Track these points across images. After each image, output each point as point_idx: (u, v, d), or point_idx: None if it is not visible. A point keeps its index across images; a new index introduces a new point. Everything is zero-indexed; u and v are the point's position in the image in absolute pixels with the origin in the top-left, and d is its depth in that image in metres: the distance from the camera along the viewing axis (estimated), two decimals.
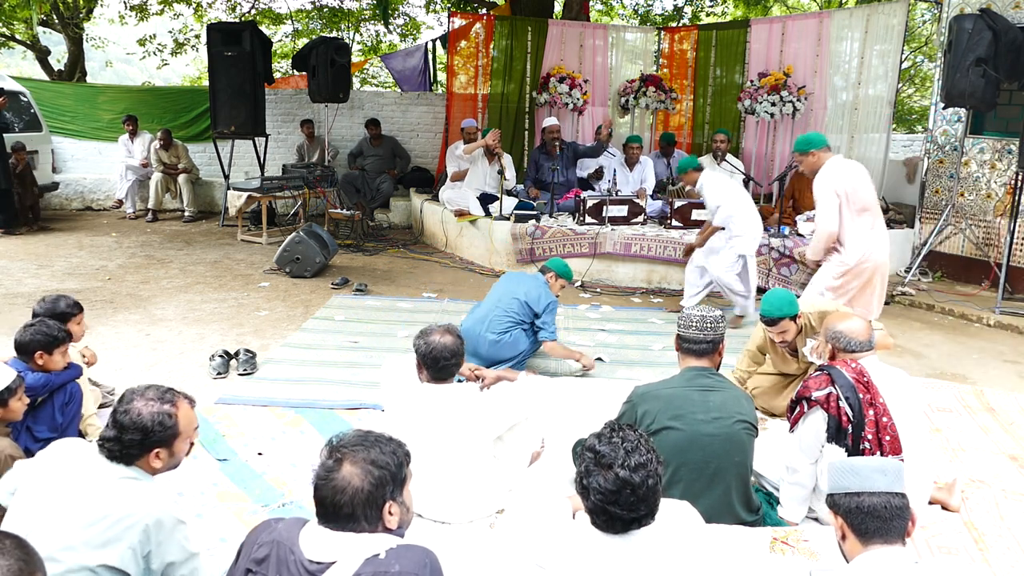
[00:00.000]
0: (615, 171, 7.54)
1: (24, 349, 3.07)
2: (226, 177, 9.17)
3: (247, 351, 4.48)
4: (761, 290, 5.26)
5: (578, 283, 6.73)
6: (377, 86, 17.24)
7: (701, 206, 6.99)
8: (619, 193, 7.17)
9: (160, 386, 2.10)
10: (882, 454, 2.73)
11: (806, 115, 8.16)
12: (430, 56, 12.48)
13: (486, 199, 7.53)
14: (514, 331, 4.36)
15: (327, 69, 8.47)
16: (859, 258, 4.54)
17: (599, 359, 4.77)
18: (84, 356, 3.73)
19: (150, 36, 15.42)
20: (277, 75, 13.61)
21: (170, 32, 15.67)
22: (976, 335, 5.73)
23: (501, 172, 7.40)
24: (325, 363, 4.57)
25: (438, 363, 2.89)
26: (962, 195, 7.11)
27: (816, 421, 2.81)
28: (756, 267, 5.70)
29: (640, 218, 7.10)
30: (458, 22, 9.80)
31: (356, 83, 14.86)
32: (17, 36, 15.07)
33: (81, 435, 3.28)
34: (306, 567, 1.66)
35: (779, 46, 8.57)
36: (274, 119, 10.12)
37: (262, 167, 9.13)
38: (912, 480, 2.49)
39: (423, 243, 8.49)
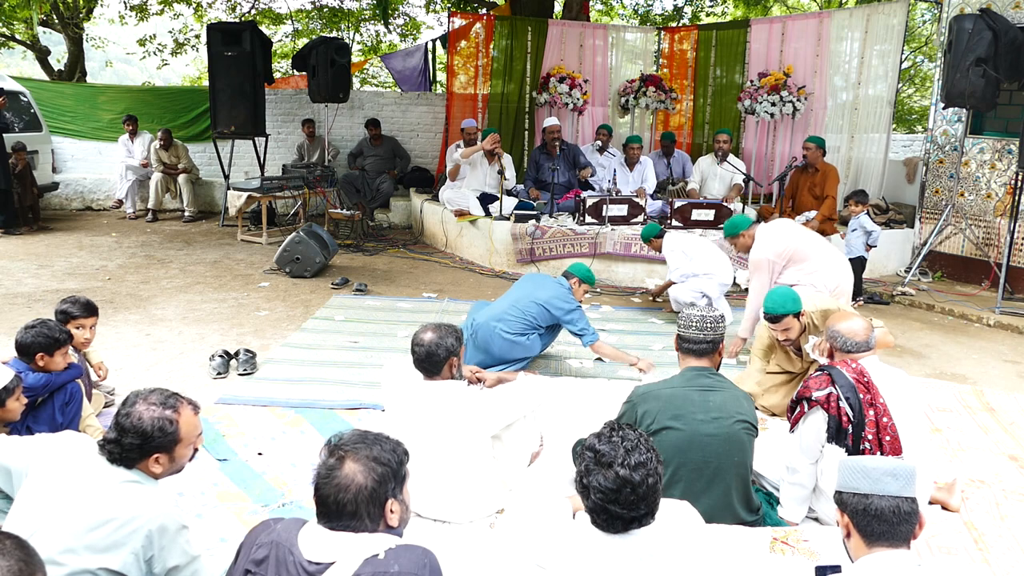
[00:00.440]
0: (615, 171, 7.54)
1: (25, 350, 3.06)
2: (226, 177, 9.17)
3: (247, 351, 4.49)
4: None
5: None
6: (377, 86, 17.24)
7: (702, 206, 7.01)
8: (619, 193, 7.18)
9: (165, 390, 2.06)
10: (882, 454, 2.73)
11: (806, 115, 8.16)
12: (430, 56, 12.50)
13: (486, 199, 7.53)
14: (530, 335, 4.36)
15: (327, 69, 8.47)
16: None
17: (599, 359, 4.77)
18: (100, 373, 3.72)
19: (150, 36, 15.42)
20: (277, 75, 13.63)
21: (170, 32, 15.67)
22: (976, 335, 5.73)
23: (501, 172, 7.39)
24: (325, 363, 4.57)
25: (431, 359, 2.94)
26: (962, 195, 7.11)
27: (816, 421, 2.82)
28: (728, 306, 5.70)
29: (640, 218, 7.10)
30: (458, 22, 9.81)
31: (356, 83, 14.88)
32: (17, 36, 15.08)
33: None
34: (305, 568, 1.66)
35: (779, 46, 8.58)
36: (274, 119, 10.11)
37: (262, 167, 9.13)
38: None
39: (423, 243, 8.49)
